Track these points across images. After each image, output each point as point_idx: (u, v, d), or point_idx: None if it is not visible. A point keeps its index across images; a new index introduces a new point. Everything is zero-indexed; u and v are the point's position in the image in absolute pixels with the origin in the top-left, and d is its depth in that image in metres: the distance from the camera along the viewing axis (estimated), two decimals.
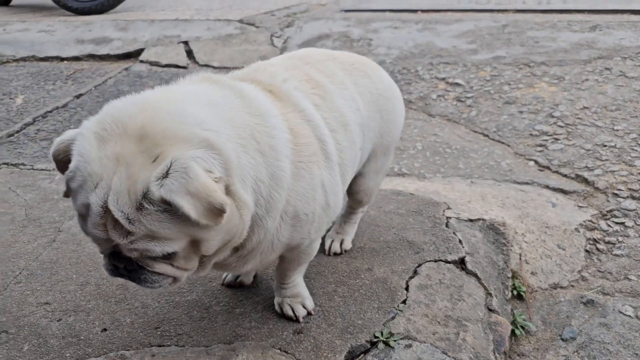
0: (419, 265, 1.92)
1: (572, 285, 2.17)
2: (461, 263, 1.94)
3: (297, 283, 1.75)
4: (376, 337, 1.61)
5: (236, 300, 1.84)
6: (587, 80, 3.60)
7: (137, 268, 1.21)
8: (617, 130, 3.02)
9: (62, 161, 1.19)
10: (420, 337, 1.61)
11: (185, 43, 4.87)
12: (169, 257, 1.19)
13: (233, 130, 1.24)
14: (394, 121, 1.86)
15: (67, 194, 1.19)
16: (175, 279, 1.25)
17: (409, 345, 1.56)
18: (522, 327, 1.97)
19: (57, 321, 1.77)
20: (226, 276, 1.91)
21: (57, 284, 1.97)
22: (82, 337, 1.69)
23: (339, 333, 1.63)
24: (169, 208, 1.08)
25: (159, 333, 1.70)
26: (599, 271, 2.21)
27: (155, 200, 1.07)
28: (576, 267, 2.23)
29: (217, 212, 1.09)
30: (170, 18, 5.44)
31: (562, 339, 1.96)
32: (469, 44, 4.32)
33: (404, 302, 1.75)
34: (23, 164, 3.04)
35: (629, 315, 1.98)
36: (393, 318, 1.68)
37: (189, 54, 4.72)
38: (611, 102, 3.30)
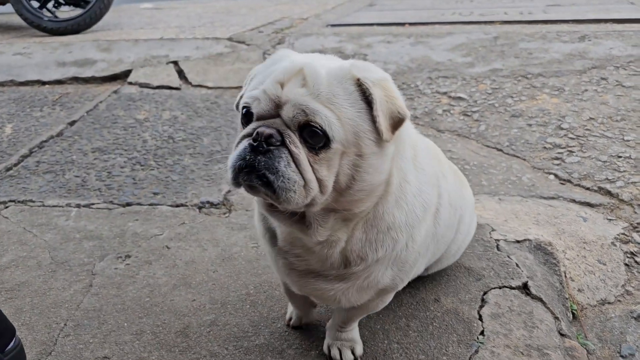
0: (485, 292, 1.92)
1: (619, 300, 2.22)
2: (524, 288, 1.95)
3: (354, 328, 1.72)
4: None
5: (307, 341, 1.79)
6: (586, 90, 3.71)
7: (277, 148, 1.12)
8: (628, 140, 3.12)
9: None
10: None
11: (175, 63, 4.74)
12: (321, 149, 1.13)
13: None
14: (470, 234, 2.02)
15: (242, 95, 1.26)
16: (305, 186, 1.13)
17: None
18: (582, 345, 2.00)
19: None
20: (290, 318, 1.85)
21: (109, 335, 1.87)
22: None
23: None
24: (355, 94, 1.15)
25: None
26: None
27: (349, 79, 1.15)
28: (619, 282, 2.28)
29: (396, 120, 1.16)
30: (155, 37, 5.29)
31: (622, 356, 1.99)
32: (464, 57, 4.38)
33: (482, 333, 1.74)
34: (32, 201, 2.88)
35: None
36: (476, 352, 1.66)
37: (180, 74, 4.60)
38: (615, 112, 3.41)
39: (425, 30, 5.05)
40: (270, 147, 1.12)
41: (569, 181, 2.88)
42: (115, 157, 3.33)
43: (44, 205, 2.83)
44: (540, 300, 1.91)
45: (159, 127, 3.70)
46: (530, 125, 3.44)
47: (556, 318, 1.87)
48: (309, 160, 1.13)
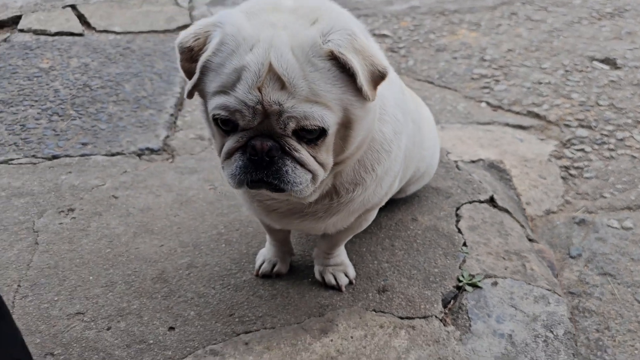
0: (457, 208, 1.99)
1: (561, 209, 2.41)
2: (491, 201, 2.04)
3: (341, 251, 1.70)
4: (460, 281, 1.65)
5: (298, 271, 1.75)
6: (500, 25, 3.90)
7: (280, 156, 1.08)
8: (545, 68, 3.34)
9: (194, 54, 1.09)
10: (498, 273, 1.68)
11: (73, 7, 4.26)
12: (317, 139, 1.08)
13: None
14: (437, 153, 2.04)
15: (196, 85, 1.09)
16: (313, 177, 1.13)
17: (495, 283, 1.63)
18: None
19: (107, 330, 1.54)
20: (261, 265, 1.73)
21: (76, 290, 1.69)
22: (152, 341, 1.50)
23: (423, 284, 1.64)
24: (333, 69, 1.05)
25: (237, 319, 1.56)
26: (577, 193, 2.47)
27: (322, 56, 1.04)
28: (559, 193, 2.47)
29: (378, 77, 1.10)
30: None
31: (571, 257, 2.18)
32: None
33: (464, 244, 1.81)
34: None
35: (616, 227, 2.26)
36: (464, 261, 1.73)
37: (81, 18, 4.15)
38: (529, 44, 3.62)
39: None
40: (272, 157, 1.07)
41: (500, 107, 3.04)
42: (26, 108, 2.96)
43: None
44: (507, 211, 2.01)
45: (70, 76, 3.33)
46: (455, 58, 3.55)
47: (522, 226, 1.99)
48: (309, 153, 1.09)
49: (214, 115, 1.08)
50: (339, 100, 1.07)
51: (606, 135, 2.74)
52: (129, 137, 2.69)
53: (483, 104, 3.09)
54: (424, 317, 1.53)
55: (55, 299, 1.66)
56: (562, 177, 2.55)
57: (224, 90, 1.04)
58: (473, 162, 2.33)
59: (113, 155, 2.53)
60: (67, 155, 2.53)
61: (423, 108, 1.91)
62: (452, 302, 1.60)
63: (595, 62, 3.35)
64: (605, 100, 2.98)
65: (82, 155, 2.52)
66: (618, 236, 2.21)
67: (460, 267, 1.70)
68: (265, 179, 1.10)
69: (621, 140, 2.70)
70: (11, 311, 1.61)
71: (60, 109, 2.96)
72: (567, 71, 3.28)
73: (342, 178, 1.29)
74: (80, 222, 2.04)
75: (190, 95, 1.12)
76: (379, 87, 1.23)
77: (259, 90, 1.01)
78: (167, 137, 2.69)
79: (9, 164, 2.47)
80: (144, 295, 1.66)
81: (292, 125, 1.05)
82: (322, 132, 1.07)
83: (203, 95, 1.14)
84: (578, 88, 3.11)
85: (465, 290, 1.62)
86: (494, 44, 3.66)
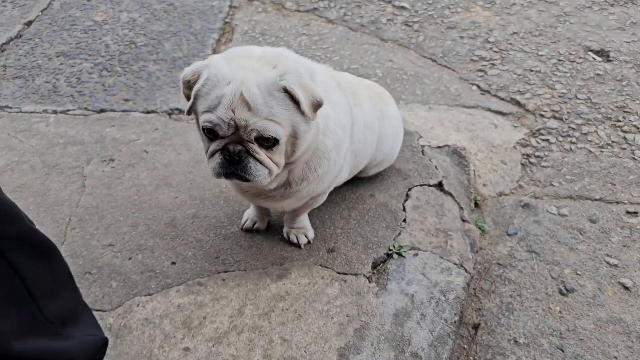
0: (409, 189, 2.46)
1: (513, 193, 2.83)
2: (439, 185, 2.50)
3: (303, 218, 2.22)
4: (390, 250, 2.16)
5: (272, 229, 2.30)
6: (514, 4, 4.11)
7: (245, 157, 1.58)
8: (541, 55, 3.61)
9: (190, 84, 1.60)
10: (422, 247, 2.18)
11: None
12: (272, 146, 1.58)
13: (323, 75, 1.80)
14: (397, 144, 2.46)
15: (192, 107, 1.60)
16: (269, 172, 1.63)
17: (416, 254, 2.14)
18: (480, 227, 2.62)
19: (129, 259, 2.15)
20: (245, 222, 2.29)
21: (110, 227, 2.31)
22: (158, 271, 2.10)
23: (362, 249, 2.17)
24: (285, 99, 1.52)
25: (220, 261, 2.14)
26: (531, 180, 2.88)
27: (278, 90, 1.50)
28: (515, 178, 2.88)
29: (316, 105, 1.56)
30: None
31: (508, 235, 2.64)
32: None
33: (404, 220, 2.30)
34: (8, 107, 3.12)
35: (554, 213, 2.68)
36: (399, 234, 2.23)
37: None
38: (535, 28, 3.86)
39: None
40: (241, 157, 1.57)
41: (488, 92, 3.39)
42: (81, 62, 3.53)
43: (21, 112, 3.08)
44: (451, 194, 2.47)
45: (119, 31, 3.86)
46: (462, 37, 3.85)
47: (461, 208, 2.45)
48: (267, 155, 1.60)
49: (203, 126, 1.59)
50: (289, 119, 1.56)
51: (573, 129, 3.08)
52: (163, 96, 3.23)
53: (474, 87, 3.43)
54: (355, 275, 2.07)
55: (95, 232, 2.28)
56: (522, 164, 2.95)
57: (209, 110, 1.55)
58: (439, 147, 2.76)
59: (148, 112, 3.09)
60: (112, 110, 3.11)
61: (389, 107, 2.35)
62: (380, 265, 2.12)
63: (589, 53, 3.59)
64: (584, 93, 3.28)
65: (123, 111, 3.10)
66: (553, 221, 2.63)
67: (394, 239, 2.21)
68: (235, 172, 1.62)
69: (585, 134, 3.04)
70: (64, 239, 2.25)
71: (109, 64, 3.51)
72: (559, 60, 3.55)
73: (294, 174, 1.80)
74: (118, 171, 2.64)
75: (188, 113, 1.63)
76: (322, 110, 1.71)
77: (233, 111, 1.51)
78: None
79: (67, 114, 3.07)
80: (157, 236, 2.26)
81: (254, 134, 1.55)
82: (275, 141, 1.58)
83: (196, 114, 1.64)
84: (564, 79, 3.40)
85: (392, 257, 2.13)
86: (502, 25, 3.92)
